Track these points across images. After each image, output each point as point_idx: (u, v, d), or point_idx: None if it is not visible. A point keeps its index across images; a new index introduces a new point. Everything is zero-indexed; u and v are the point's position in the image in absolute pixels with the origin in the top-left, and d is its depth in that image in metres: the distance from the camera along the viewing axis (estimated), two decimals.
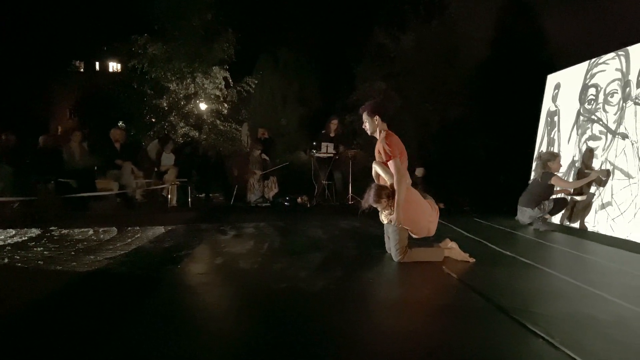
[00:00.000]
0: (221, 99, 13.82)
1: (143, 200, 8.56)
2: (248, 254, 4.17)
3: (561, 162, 6.10)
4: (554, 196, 5.93)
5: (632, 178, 5.33)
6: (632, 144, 5.39)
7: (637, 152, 5.30)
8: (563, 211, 6.15)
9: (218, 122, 13.87)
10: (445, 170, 9.95)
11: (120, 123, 14.53)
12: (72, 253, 4.08)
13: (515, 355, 2.12)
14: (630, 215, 5.25)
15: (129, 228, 5.51)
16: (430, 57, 11.44)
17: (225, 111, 13.97)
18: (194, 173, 9.30)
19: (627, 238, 5.16)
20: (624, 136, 5.52)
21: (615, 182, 5.56)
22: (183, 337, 2.26)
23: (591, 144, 6.12)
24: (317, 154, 9.22)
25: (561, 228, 6.06)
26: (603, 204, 5.71)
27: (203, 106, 13.65)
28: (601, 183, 5.76)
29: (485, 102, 9.71)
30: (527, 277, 3.51)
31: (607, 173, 5.68)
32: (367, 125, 4.18)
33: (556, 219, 6.38)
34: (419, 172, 9.93)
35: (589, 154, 6.10)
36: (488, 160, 9.53)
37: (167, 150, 8.81)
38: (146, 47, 12.83)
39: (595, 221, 5.78)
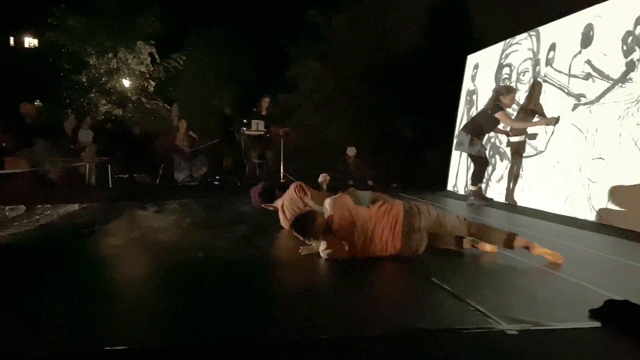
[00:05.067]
0: (147, 75, 13.20)
1: (58, 180, 8.03)
2: (168, 228, 4.05)
3: (514, 100, 5.88)
4: (481, 151, 5.83)
5: (542, 152, 5.72)
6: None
7: (545, 128, 5.68)
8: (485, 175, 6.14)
9: (144, 99, 13.26)
10: (375, 149, 10.18)
11: (37, 102, 13.51)
12: None
13: (428, 306, 2.21)
14: (539, 186, 5.65)
15: (39, 206, 5.16)
16: (362, 38, 11.56)
17: (152, 88, 13.37)
18: (116, 152, 8.84)
19: (534, 207, 5.56)
20: (533, 112, 5.89)
21: (525, 155, 5.95)
22: (94, 305, 2.15)
23: None
24: (247, 132, 9.08)
25: (495, 203, 6.02)
26: (514, 176, 6.10)
27: (126, 82, 12.98)
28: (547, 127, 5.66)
29: (412, 81, 9.99)
30: None
31: (556, 120, 5.48)
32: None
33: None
34: (351, 151, 10.09)
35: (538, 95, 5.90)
36: (414, 138, 9.84)
37: (84, 127, 8.31)
38: (64, 18, 11.96)
39: (506, 192, 6.15)
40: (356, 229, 2.87)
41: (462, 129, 6.02)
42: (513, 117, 5.94)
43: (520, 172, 6.03)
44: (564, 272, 2.70)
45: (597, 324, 1.92)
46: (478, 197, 5.90)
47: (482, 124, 5.80)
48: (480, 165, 5.94)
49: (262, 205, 4.11)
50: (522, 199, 5.91)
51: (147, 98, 13.41)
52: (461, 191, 7.38)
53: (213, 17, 14.83)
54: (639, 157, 4.29)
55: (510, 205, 5.91)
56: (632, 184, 4.32)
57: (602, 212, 4.63)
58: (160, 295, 2.36)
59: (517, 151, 6.11)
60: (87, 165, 7.84)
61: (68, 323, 1.92)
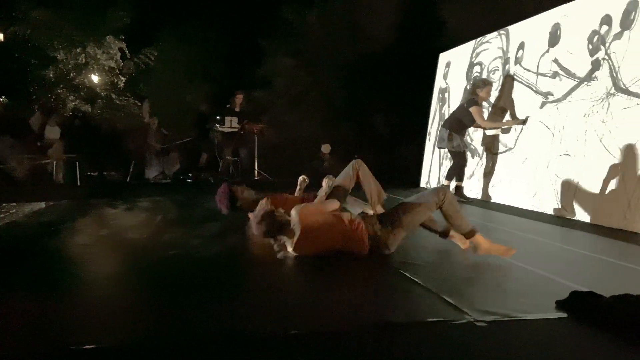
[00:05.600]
0: (117, 71, 12.90)
1: (23, 177, 7.77)
2: (138, 226, 3.96)
3: (490, 93, 5.88)
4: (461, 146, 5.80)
5: (511, 149, 5.83)
6: (510, 117, 5.88)
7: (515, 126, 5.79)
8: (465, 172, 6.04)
9: (114, 95, 12.95)
10: (349, 146, 10.21)
11: (2, 98, 13.04)
12: None
13: (399, 300, 2.23)
14: (508, 182, 5.76)
15: (4, 204, 4.98)
16: (335, 35, 11.56)
17: (122, 84, 13.07)
18: (84, 149, 8.61)
19: (504, 203, 5.67)
20: (504, 110, 6.01)
21: (495, 152, 6.06)
22: (60, 304, 2.09)
23: None
24: (220, 129, 8.98)
25: (474, 200, 6.03)
26: (485, 173, 6.21)
27: (95, 78, 12.65)
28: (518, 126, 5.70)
29: (386, 79, 10.05)
30: (417, 237, 3.65)
31: (525, 121, 5.53)
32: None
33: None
34: (325, 148, 10.12)
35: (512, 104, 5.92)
36: (388, 135, 9.91)
37: (51, 123, 8.06)
38: (30, 11, 11.56)
39: (478, 189, 6.27)
40: (324, 234, 2.82)
41: (442, 125, 6.03)
42: (486, 113, 6.06)
43: (492, 169, 6.14)
44: (532, 265, 2.76)
45: (564, 315, 1.97)
46: (459, 195, 5.74)
47: (460, 119, 5.80)
48: (458, 161, 5.90)
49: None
50: (493, 194, 6.02)
51: (117, 94, 13.09)
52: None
53: (185, 12, 14.57)
54: (603, 153, 4.42)
55: (482, 202, 6.02)
56: (597, 179, 4.45)
57: (568, 207, 4.75)
58: (129, 293, 2.31)
59: (490, 148, 6.23)
60: (54, 162, 7.61)
61: (32, 323, 1.85)
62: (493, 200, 5.98)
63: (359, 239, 2.82)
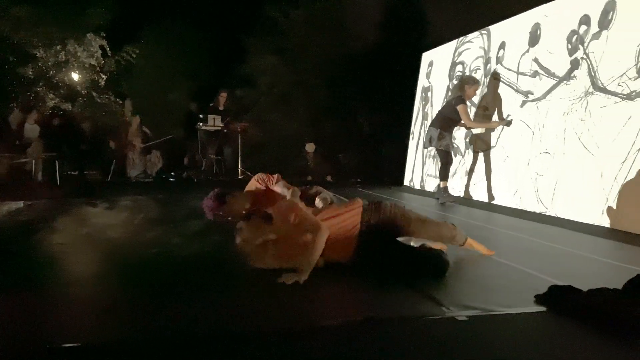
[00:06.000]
0: (97, 68, 12.71)
1: (2, 176, 7.61)
2: (119, 225, 3.91)
3: (477, 93, 5.94)
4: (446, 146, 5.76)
5: (492, 147, 5.90)
6: (492, 117, 5.95)
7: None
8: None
9: (94, 94, 12.76)
10: (333, 145, 10.23)
11: None
12: None
13: (382, 297, 2.24)
14: (490, 180, 5.83)
15: None
16: (320, 34, 11.56)
17: (103, 82, 12.88)
18: (64, 147, 8.47)
19: (485, 200, 5.74)
20: (485, 109, 6.08)
21: (477, 150, 6.13)
22: (38, 303, 2.05)
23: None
24: (203, 127, 8.92)
25: (460, 199, 6.04)
26: (467, 171, 6.27)
27: (76, 76, 12.45)
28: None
29: (370, 78, 10.07)
30: None
31: (508, 122, 5.58)
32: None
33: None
34: (309, 147, 10.10)
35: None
36: (372, 134, 9.95)
37: (30, 121, 7.91)
38: (8, 8, 11.31)
39: (460, 187, 6.33)
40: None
41: (430, 125, 5.88)
42: (472, 113, 6.09)
43: (475, 167, 6.21)
44: (512, 261, 2.80)
45: (543, 309, 2.00)
46: (444, 195, 5.72)
47: (449, 117, 5.68)
48: (446, 160, 5.80)
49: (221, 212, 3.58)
50: (474, 193, 6.09)
51: (97, 92, 12.91)
52: (417, 186, 7.53)
53: (167, 9, 14.42)
54: (582, 151, 4.50)
55: (465, 200, 6.08)
56: (576, 177, 4.53)
57: (548, 205, 4.83)
58: (110, 291, 2.27)
59: (475, 146, 6.28)
60: (34, 161, 7.46)
61: (10, 322, 1.82)
62: (475, 198, 6.05)
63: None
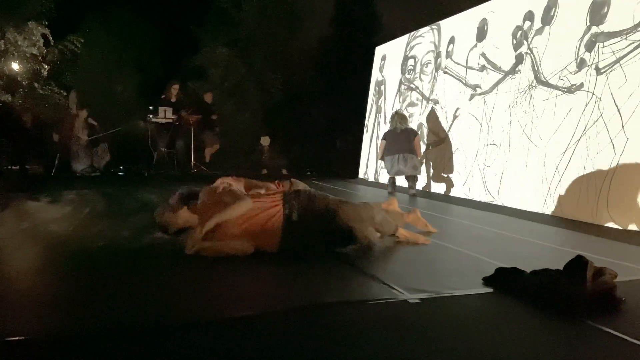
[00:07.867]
0: (39, 58, 12.04)
1: None
2: (63, 219, 3.73)
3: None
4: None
5: (443, 140, 6.06)
6: (442, 109, 6.12)
7: (446, 116, 6.03)
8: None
9: (36, 85, 12.09)
10: (288, 138, 10.19)
11: None
12: None
13: (335, 282, 2.25)
14: (441, 172, 5.99)
15: None
16: (273, 26, 11.46)
17: (46, 73, 12.23)
18: (4, 141, 8.00)
19: (440, 192, 5.90)
20: (436, 102, 6.23)
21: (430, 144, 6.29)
22: None
23: (410, 110, 6.78)
24: (154, 119, 8.65)
25: (422, 193, 6.07)
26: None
27: (16, 66, 11.75)
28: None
29: (324, 71, 10.10)
30: None
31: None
32: None
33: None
34: (265, 140, 10.02)
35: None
36: (326, 127, 9.98)
37: None
38: None
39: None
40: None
41: (399, 152, 5.64)
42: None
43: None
44: (461, 247, 2.89)
45: (490, 290, 2.07)
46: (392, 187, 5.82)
47: (410, 146, 5.64)
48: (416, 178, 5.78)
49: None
50: (434, 186, 6.24)
51: (40, 83, 12.23)
52: (372, 179, 7.63)
53: None
54: (526, 142, 4.70)
55: (423, 192, 6.20)
56: (520, 167, 4.73)
57: (495, 194, 5.02)
58: (54, 285, 2.17)
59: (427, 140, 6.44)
60: None
61: None
62: (429, 189, 6.20)
63: None
